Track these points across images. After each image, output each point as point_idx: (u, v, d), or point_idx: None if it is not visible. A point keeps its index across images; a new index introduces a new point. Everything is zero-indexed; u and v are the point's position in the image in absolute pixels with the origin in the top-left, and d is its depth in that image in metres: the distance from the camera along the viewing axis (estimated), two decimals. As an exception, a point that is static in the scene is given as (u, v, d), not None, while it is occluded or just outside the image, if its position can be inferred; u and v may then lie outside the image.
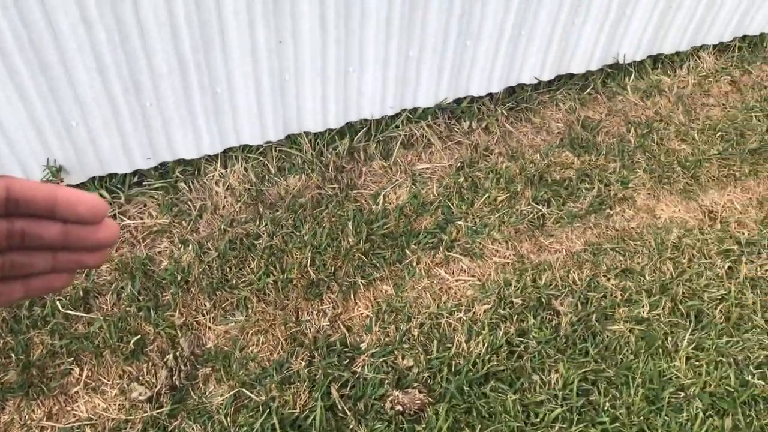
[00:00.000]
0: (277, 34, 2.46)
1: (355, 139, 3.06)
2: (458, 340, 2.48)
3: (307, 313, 2.54)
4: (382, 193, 2.93)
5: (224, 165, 2.92)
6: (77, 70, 2.28)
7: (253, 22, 2.38)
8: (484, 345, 2.45)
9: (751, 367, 2.48)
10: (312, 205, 2.84)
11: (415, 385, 2.34)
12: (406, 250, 2.76)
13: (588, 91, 3.55)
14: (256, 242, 2.71)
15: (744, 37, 4.00)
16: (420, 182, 3.02)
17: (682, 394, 2.39)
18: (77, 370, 2.33)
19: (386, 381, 2.35)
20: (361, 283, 2.63)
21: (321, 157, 3.00)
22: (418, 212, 2.90)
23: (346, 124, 3.01)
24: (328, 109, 2.84)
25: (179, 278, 2.58)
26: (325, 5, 2.44)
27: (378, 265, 2.70)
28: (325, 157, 3.00)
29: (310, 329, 2.50)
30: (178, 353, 2.40)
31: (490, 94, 3.34)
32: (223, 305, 2.54)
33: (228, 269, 2.63)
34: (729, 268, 2.82)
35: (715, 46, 3.94)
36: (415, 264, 2.73)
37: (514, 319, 2.55)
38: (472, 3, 2.76)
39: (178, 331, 2.46)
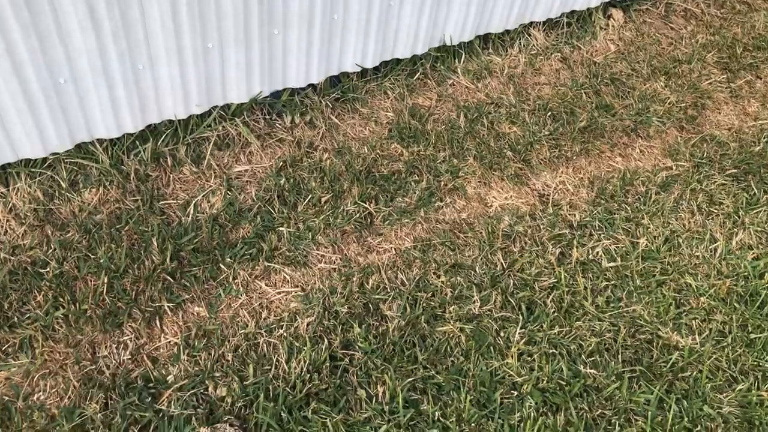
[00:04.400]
0: (38, 36, 2.11)
1: (160, 143, 2.76)
2: (278, 361, 2.26)
3: (105, 348, 2.24)
4: (193, 202, 2.65)
5: (5, 183, 2.54)
6: None
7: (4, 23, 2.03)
8: (305, 363, 2.24)
9: (583, 356, 2.41)
10: (110, 222, 2.52)
11: (227, 418, 2.10)
12: (221, 265, 2.50)
13: (417, 76, 3.39)
14: (42, 271, 2.36)
15: (572, 12, 3.98)
16: (237, 187, 2.76)
17: (515, 393, 2.28)
18: None
19: (194, 416, 2.09)
20: (168, 307, 2.35)
21: (120, 166, 2.67)
22: (234, 221, 2.64)
23: (148, 126, 2.70)
24: (120, 112, 2.52)
25: (-53, 322, 2.21)
26: (91, -4, 2.13)
27: (188, 284, 2.42)
28: (126, 166, 2.67)
29: (108, 366, 2.20)
30: (-56, 413, 2.05)
31: (312, 85, 3.12)
32: (4, 348, 2.19)
33: (9, 305, 2.27)
34: (561, 253, 2.75)
35: (544, 23, 3.89)
36: (231, 279, 2.48)
37: (339, 330, 2.36)
38: (271, -12, 2.51)
39: (-54, 386, 2.10)
